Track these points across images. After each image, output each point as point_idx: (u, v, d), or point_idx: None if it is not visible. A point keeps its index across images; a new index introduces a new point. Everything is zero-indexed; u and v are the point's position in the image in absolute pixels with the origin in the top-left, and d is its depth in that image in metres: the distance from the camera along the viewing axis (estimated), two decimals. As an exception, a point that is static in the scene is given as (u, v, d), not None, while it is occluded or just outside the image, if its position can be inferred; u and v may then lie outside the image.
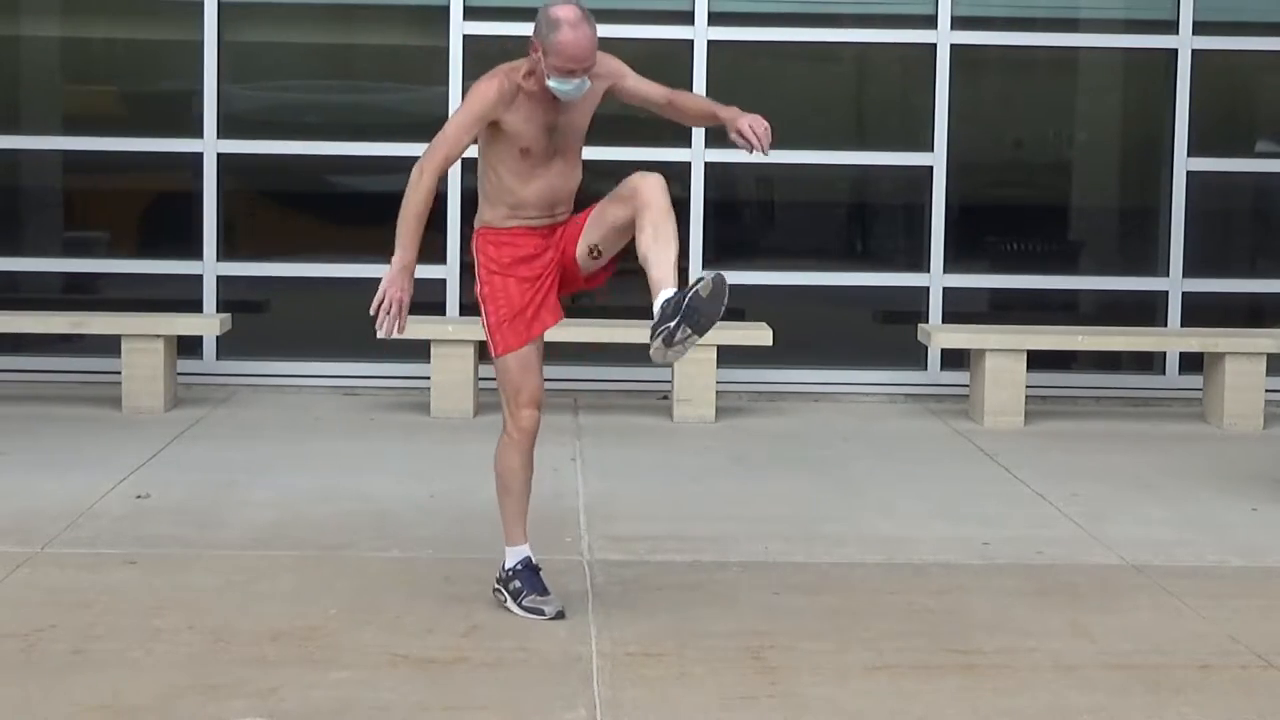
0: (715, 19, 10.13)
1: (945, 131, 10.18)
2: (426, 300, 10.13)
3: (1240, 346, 9.35)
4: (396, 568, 5.92)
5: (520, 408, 5.30)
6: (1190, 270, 10.32)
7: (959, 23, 10.17)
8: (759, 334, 9.33)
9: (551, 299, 5.39)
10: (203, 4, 10.00)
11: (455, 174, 10.11)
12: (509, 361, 5.32)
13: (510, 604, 5.32)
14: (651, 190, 5.14)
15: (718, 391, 9.33)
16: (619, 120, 10.65)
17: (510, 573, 5.36)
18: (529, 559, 5.38)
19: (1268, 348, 9.36)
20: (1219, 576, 6.03)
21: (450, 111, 10.14)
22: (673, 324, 4.96)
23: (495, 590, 5.41)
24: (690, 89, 10.00)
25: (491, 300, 5.39)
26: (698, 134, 9.93)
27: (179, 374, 9.55)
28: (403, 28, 10.70)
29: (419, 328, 9.38)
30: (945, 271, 10.25)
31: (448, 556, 6.08)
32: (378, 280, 10.97)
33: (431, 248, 10.15)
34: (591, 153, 10.75)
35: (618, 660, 4.88)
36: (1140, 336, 9.94)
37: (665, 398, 9.58)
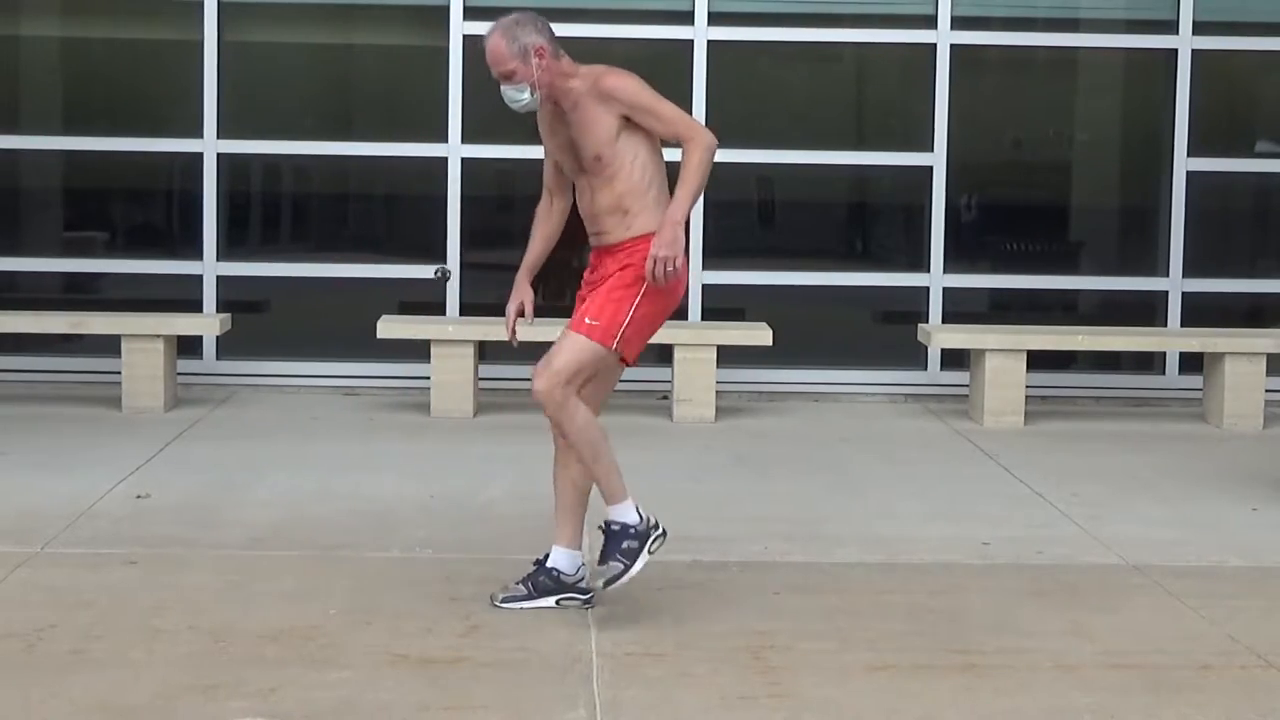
0: (715, 19, 10.13)
1: (945, 131, 10.18)
2: (426, 300, 10.17)
3: (1240, 346, 9.35)
4: (396, 568, 5.92)
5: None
6: (1190, 270, 10.32)
7: (959, 23, 10.18)
8: (759, 334, 9.33)
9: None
10: (203, 4, 10.01)
11: (456, 172, 10.12)
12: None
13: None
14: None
15: (718, 391, 9.33)
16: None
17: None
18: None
19: (1268, 348, 9.36)
20: (1219, 576, 6.03)
21: (452, 109, 10.16)
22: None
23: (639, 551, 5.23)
24: (690, 89, 10.02)
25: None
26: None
27: (179, 374, 9.55)
28: (403, 28, 10.70)
29: (419, 327, 9.39)
30: (945, 271, 10.25)
31: (448, 556, 6.08)
32: (377, 280, 11.03)
33: (431, 248, 10.16)
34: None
35: (618, 660, 4.88)
36: (1140, 336, 9.94)
37: (665, 398, 9.58)
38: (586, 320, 5.17)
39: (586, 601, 5.38)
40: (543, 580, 5.37)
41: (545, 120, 5.34)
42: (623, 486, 5.25)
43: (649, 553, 5.20)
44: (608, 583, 5.17)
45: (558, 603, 5.35)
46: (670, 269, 5.02)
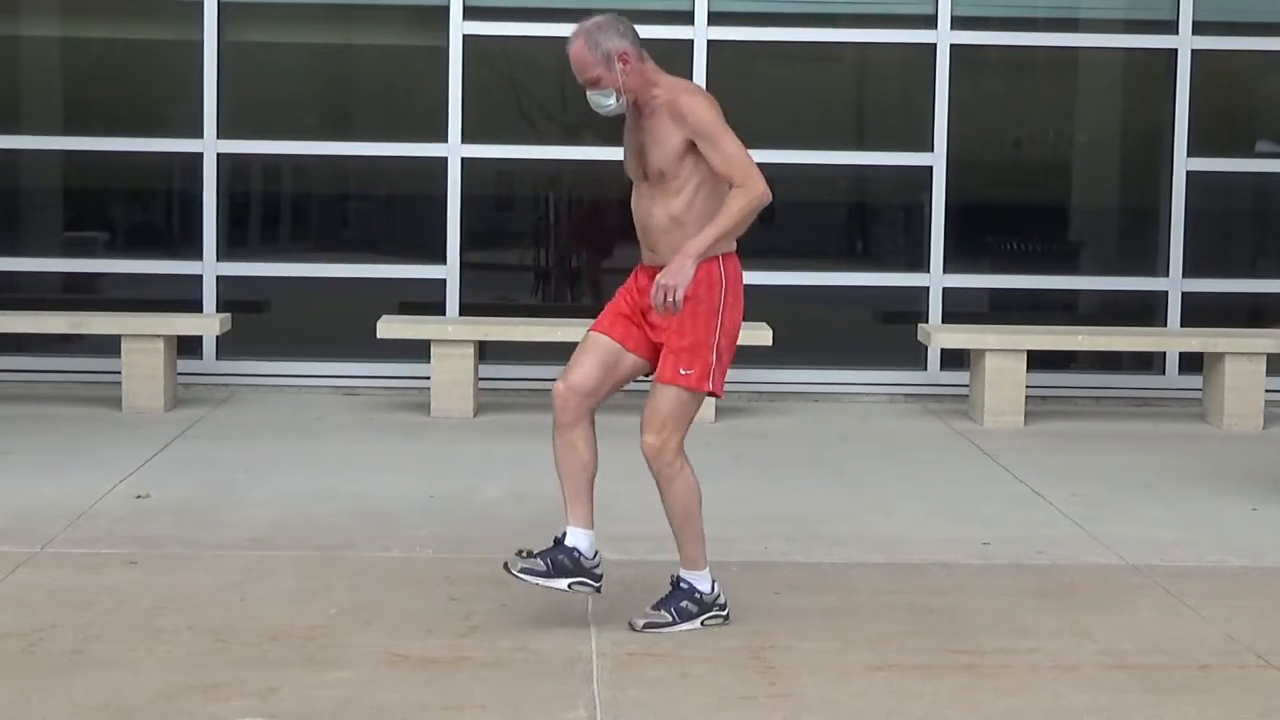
0: (715, 19, 10.13)
1: (945, 131, 10.18)
2: (426, 300, 10.17)
3: (1240, 346, 9.35)
4: (396, 568, 5.92)
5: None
6: (1190, 270, 10.32)
7: (959, 23, 10.17)
8: (759, 334, 9.33)
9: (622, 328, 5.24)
10: (203, 4, 10.00)
11: (456, 172, 10.12)
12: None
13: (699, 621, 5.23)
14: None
15: (718, 391, 9.32)
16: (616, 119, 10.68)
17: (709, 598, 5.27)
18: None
19: (1268, 348, 9.36)
20: (1219, 576, 6.03)
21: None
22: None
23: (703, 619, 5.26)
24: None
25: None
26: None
27: (179, 374, 9.55)
28: (403, 28, 10.70)
29: (419, 327, 9.39)
30: (945, 271, 10.25)
31: (448, 556, 6.08)
32: (377, 280, 11.03)
33: (431, 248, 10.16)
34: (590, 152, 10.82)
35: (618, 660, 4.88)
36: (1140, 336, 9.94)
37: (665, 398, 9.57)
38: (681, 371, 5.11)
39: (597, 590, 5.28)
40: (561, 559, 5.18)
41: (628, 117, 5.25)
42: (704, 556, 5.25)
43: (701, 624, 5.19)
44: (647, 625, 5.16)
45: (569, 587, 5.20)
46: (670, 300, 4.93)
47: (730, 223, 4.96)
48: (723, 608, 5.25)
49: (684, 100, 5.02)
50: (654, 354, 5.22)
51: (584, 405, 5.20)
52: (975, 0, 10.31)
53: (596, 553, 5.28)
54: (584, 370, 5.19)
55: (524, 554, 5.21)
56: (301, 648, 4.94)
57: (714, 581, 5.25)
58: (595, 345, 5.23)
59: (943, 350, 10.09)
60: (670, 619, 5.16)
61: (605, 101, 5.12)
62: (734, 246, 5.17)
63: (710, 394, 5.20)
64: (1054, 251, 10.81)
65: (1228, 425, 9.27)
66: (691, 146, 5.02)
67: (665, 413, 5.12)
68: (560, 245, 10.96)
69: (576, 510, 5.24)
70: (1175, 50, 10.23)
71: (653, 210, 5.13)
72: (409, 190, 10.67)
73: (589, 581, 5.23)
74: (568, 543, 5.20)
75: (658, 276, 4.96)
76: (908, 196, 10.54)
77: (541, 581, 5.18)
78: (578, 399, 5.17)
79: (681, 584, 5.22)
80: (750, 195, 4.95)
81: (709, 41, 10.09)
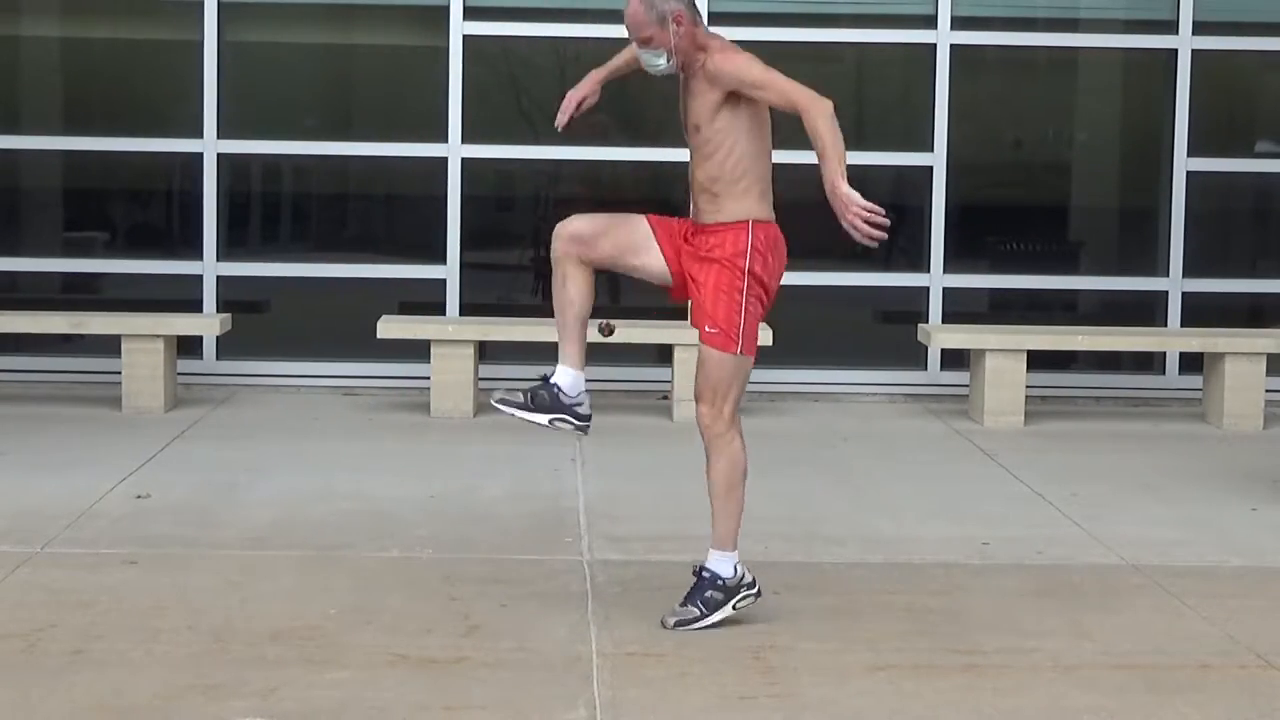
0: (715, 19, 10.12)
1: (945, 132, 10.18)
2: (426, 300, 10.17)
3: (1240, 346, 9.35)
4: (396, 568, 5.91)
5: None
6: (1190, 270, 10.32)
7: (959, 23, 10.17)
8: (759, 334, 9.32)
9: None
10: (203, 4, 10.01)
11: (456, 172, 10.12)
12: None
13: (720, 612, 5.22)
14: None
15: (718, 391, 9.31)
16: (617, 119, 10.69)
17: (739, 582, 5.23)
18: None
19: (1268, 348, 9.36)
20: (1219, 576, 6.03)
21: (443, 110, 10.16)
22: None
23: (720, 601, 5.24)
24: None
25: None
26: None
27: (179, 374, 9.55)
28: (403, 28, 10.70)
29: (419, 327, 9.39)
30: (945, 271, 10.25)
31: (448, 556, 6.08)
32: (377, 280, 11.00)
33: (432, 248, 10.16)
34: (589, 153, 10.80)
35: (618, 660, 4.88)
36: (1140, 336, 9.94)
37: (665, 398, 9.58)
38: (707, 328, 5.15)
39: (579, 427, 5.22)
40: (542, 394, 5.17)
41: (681, 78, 5.28)
42: (735, 536, 5.22)
43: (733, 608, 5.19)
44: (678, 623, 5.16)
45: (550, 422, 5.16)
46: (866, 217, 4.88)
47: (829, 140, 4.99)
48: (751, 586, 5.24)
49: (717, 59, 5.08)
50: (678, 270, 5.22)
51: (569, 249, 5.18)
52: (975, 0, 10.32)
53: (582, 392, 5.22)
54: (584, 220, 5.22)
55: (508, 390, 5.21)
56: (301, 648, 4.94)
57: (737, 564, 5.23)
58: (619, 216, 5.28)
59: (943, 350, 10.09)
60: (699, 613, 5.17)
61: (656, 61, 5.18)
62: (770, 215, 5.27)
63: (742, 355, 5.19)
64: (1054, 251, 10.81)
65: (1228, 425, 9.27)
66: (725, 106, 5.08)
67: (713, 381, 5.15)
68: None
69: (563, 348, 5.22)
70: (1175, 50, 10.23)
71: (694, 171, 5.21)
72: (409, 190, 10.67)
73: (570, 419, 5.19)
74: (551, 379, 5.19)
75: (841, 216, 4.92)
76: (908, 196, 10.53)
77: (520, 414, 5.17)
78: (562, 242, 5.19)
79: (704, 574, 5.22)
80: (820, 113, 4.99)
81: (709, 41, 10.07)
